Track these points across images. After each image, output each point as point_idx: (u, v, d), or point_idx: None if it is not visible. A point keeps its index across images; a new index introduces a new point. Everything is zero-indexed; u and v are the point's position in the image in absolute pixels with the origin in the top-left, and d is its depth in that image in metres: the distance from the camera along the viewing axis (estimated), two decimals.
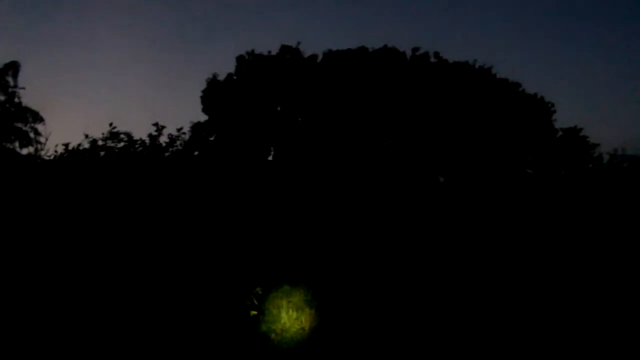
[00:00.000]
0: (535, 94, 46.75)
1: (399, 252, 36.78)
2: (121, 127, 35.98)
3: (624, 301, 33.27)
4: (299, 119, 44.37)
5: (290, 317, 26.46)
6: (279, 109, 44.44)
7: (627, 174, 45.64)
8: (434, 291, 33.59)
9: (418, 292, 32.24)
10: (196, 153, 42.91)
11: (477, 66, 45.86)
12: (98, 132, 36.98)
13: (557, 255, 41.93)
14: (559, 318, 27.25)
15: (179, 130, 38.38)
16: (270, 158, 44.25)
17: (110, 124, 35.33)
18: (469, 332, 25.69)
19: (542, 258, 41.49)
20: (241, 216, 39.07)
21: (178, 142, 38.42)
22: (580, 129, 46.30)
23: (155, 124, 37.52)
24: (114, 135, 36.04)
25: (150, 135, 37.24)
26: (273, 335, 25.60)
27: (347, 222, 39.11)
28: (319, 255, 34.30)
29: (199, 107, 45.23)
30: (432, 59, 45.45)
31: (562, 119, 46.33)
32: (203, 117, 44.78)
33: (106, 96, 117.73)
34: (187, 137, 41.70)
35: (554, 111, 46.75)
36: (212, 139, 44.05)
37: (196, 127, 43.85)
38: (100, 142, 35.41)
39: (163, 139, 37.82)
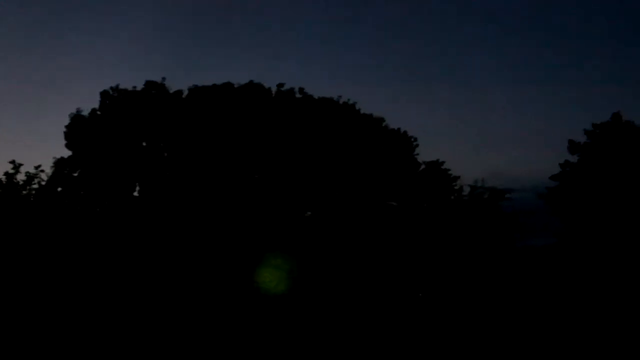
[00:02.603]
0: (399, 129, 48.12)
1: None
2: None
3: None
4: (165, 154, 44.19)
5: None
6: (144, 144, 44.12)
7: (487, 204, 47.63)
8: None
9: None
10: (59, 189, 42.14)
11: (341, 102, 46.89)
12: None
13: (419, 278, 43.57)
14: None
15: (36, 167, 37.66)
16: (135, 193, 43.82)
17: None
18: None
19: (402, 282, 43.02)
20: (106, 250, 38.78)
21: (36, 180, 37.71)
22: (442, 162, 47.92)
23: (12, 162, 36.75)
24: None
25: (6, 174, 36.42)
26: None
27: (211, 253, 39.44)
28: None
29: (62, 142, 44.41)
30: (297, 95, 46.20)
31: (424, 153, 47.67)
32: (67, 153, 43.94)
33: None
34: (48, 174, 40.94)
35: (417, 145, 48.21)
36: (76, 174, 43.21)
37: (59, 162, 42.89)
38: None
39: (21, 177, 37.10)
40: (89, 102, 45.91)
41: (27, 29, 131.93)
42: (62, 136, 44.34)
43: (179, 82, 50.09)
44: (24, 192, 37.01)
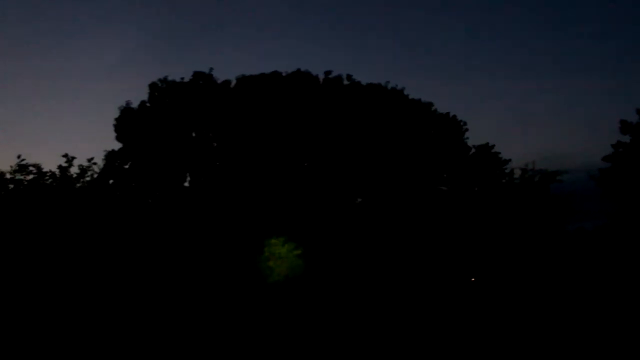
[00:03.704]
0: (448, 113, 47.71)
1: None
2: (30, 159, 35.39)
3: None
4: (215, 144, 44.24)
5: None
6: (193, 135, 44.22)
7: (538, 187, 46.98)
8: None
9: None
10: (111, 181, 42.40)
11: (389, 87, 46.54)
12: (5, 165, 36.19)
13: (473, 265, 43.16)
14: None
15: (89, 160, 37.88)
16: (186, 184, 44.00)
17: (19, 157, 34.71)
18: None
19: (459, 269, 42.67)
20: (158, 242, 38.97)
21: (89, 172, 37.90)
22: (492, 146, 47.40)
23: (65, 155, 36.96)
24: (22, 167, 35.35)
25: (60, 167, 36.65)
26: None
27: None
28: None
29: (113, 135, 44.74)
30: (345, 82, 45.94)
31: (474, 137, 47.29)
32: (117, 145, 44.27)
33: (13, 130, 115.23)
34: (99, 166, 41.16)
35: (467, 129, 47.84)
36: (127, 167, 43.51)
37: (110, 155, 43.22)
38: (8, 176, 34.74)
39: (74, 170, 37.30)
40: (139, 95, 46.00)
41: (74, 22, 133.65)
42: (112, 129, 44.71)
43: (224, 72, 50.33)
44: (78, 184, 37.16)
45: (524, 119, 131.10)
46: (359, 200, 45.80)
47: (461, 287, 42.29)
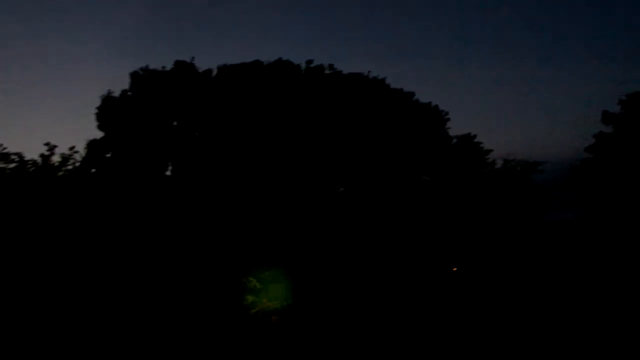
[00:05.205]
0: (429, 103, 47.79)
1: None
2: (11, 148, 35.32)
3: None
4: (196, 133, 44.12)
5: None
6: (175, 124, 44.07)
7: (519, 177, 47.31)
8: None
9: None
10: (93, 170, 42.19)
11: (371, 77, 46.55)
12: None
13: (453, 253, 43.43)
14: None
15: (71, 149, 37.70)
16: (168, 173, 43.84)
17: (0, 145, 34.59)
18: None
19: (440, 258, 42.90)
20: (140, 231, 38.86)
21: (71, 161, 37.80)
22: (474, 136, 47.66)
23: (47, 144, 36.82)
24: (4, 156, 35.28)
25: (42, 155, 36.53)
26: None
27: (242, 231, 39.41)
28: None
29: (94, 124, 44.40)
30: (327, 71, 45.91)
31: (456, 127, 47.38)
32: (99, 134, 43.97)
33: None
34: (82, 155, 40.98)
35: (448, 119, 47.90)
36: (108, 155, 43.24)
37: (92, 144, 42.90)
38: None
39: (56, 159, 37.20)
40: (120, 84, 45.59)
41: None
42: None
43: (206, 61, 50.14)
44: (60, 173, 37.06)
45: (506, 108, 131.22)
46: (342, 189, 45.82)
47: (444, 278, 42.54)
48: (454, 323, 28.27)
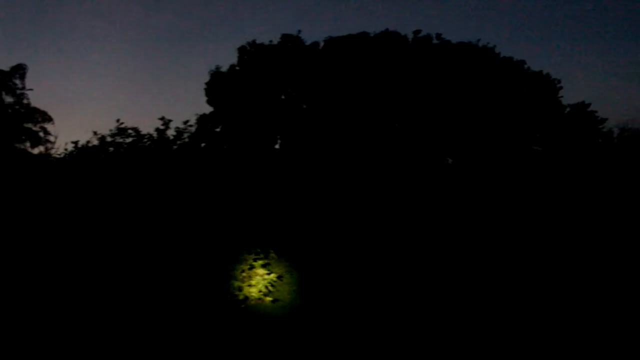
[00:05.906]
0: (541, 71, 46.37)
1: (402, 242, 36.74)
2: (128, 123, 36.04)
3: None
4: (304, 107, 44.19)
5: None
6: (283, 97, 44.27)
7: (637, 147, 45.39)
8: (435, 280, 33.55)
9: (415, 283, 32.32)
10: (203, 145, 42.81)
11: (480, 46, 45.52)
12: (106, 129, 36.96)
13: (569, 234, 41.77)
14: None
15: (185, 123, 38.28)
16: (277, 146, 44.12)
17: (118, 120, 35.36)
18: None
19: (555, 240, 41.33)
20: (249, 203, 39.12)
21: (185, 135, 38.39)
22: (589, 104, 45.95)
23: (162, 118, 37.49)
24: (121, 131, 36.04)
25: (157, 129, 37.21)
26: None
27: (353, 208, 39.08)
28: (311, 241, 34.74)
29: (204, 99, 45.18)
30: (435, 41, 45.12)
31: (569, 96, 45.88)
32: (208, 109, 44.72)
33: (111, 93, 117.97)
34: (193, 129, 41.60)
35: (561, 87, 46.40)
36: (218, 130, 43.92)
37: (202, 119, 43.70)
38: (108, 139, 35.43)
39: (170, 132, 37.82)
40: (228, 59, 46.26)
41: None
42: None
43: (313, 35, 50.22)
44: (174, 146, 37.59)
45: (623, 73, 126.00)
46: (450, 161, 45.12)
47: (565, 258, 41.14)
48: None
